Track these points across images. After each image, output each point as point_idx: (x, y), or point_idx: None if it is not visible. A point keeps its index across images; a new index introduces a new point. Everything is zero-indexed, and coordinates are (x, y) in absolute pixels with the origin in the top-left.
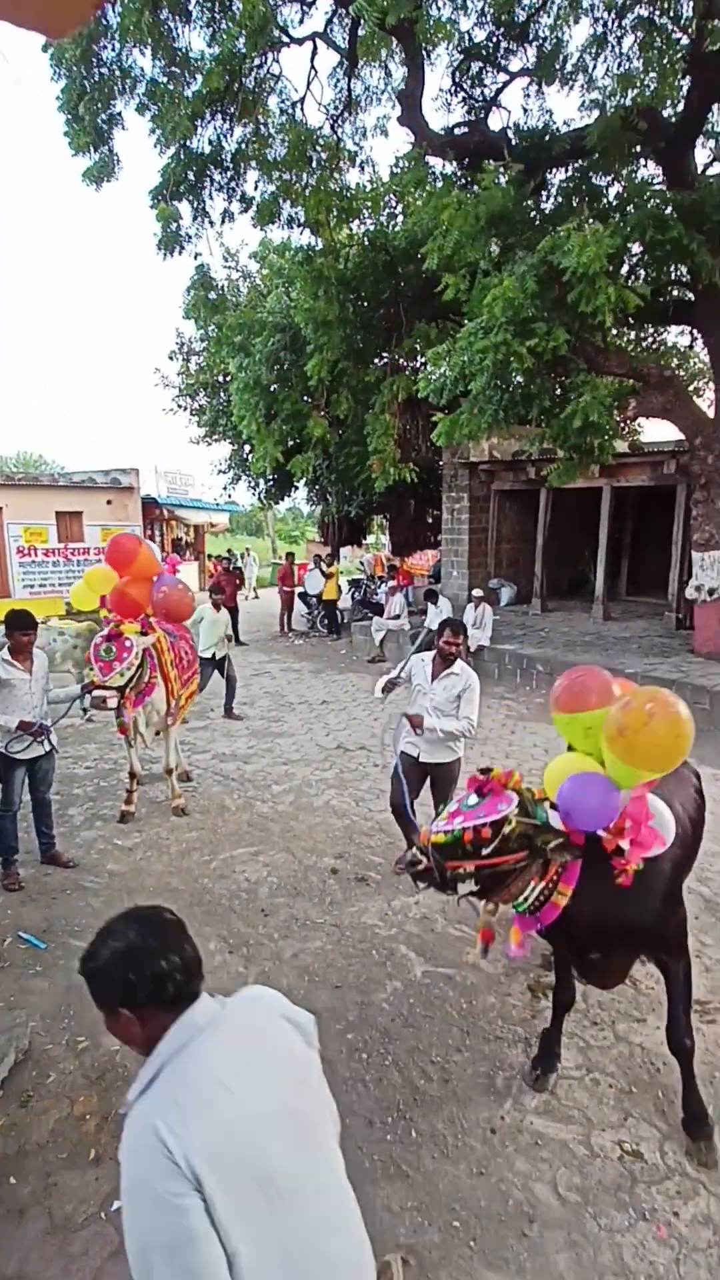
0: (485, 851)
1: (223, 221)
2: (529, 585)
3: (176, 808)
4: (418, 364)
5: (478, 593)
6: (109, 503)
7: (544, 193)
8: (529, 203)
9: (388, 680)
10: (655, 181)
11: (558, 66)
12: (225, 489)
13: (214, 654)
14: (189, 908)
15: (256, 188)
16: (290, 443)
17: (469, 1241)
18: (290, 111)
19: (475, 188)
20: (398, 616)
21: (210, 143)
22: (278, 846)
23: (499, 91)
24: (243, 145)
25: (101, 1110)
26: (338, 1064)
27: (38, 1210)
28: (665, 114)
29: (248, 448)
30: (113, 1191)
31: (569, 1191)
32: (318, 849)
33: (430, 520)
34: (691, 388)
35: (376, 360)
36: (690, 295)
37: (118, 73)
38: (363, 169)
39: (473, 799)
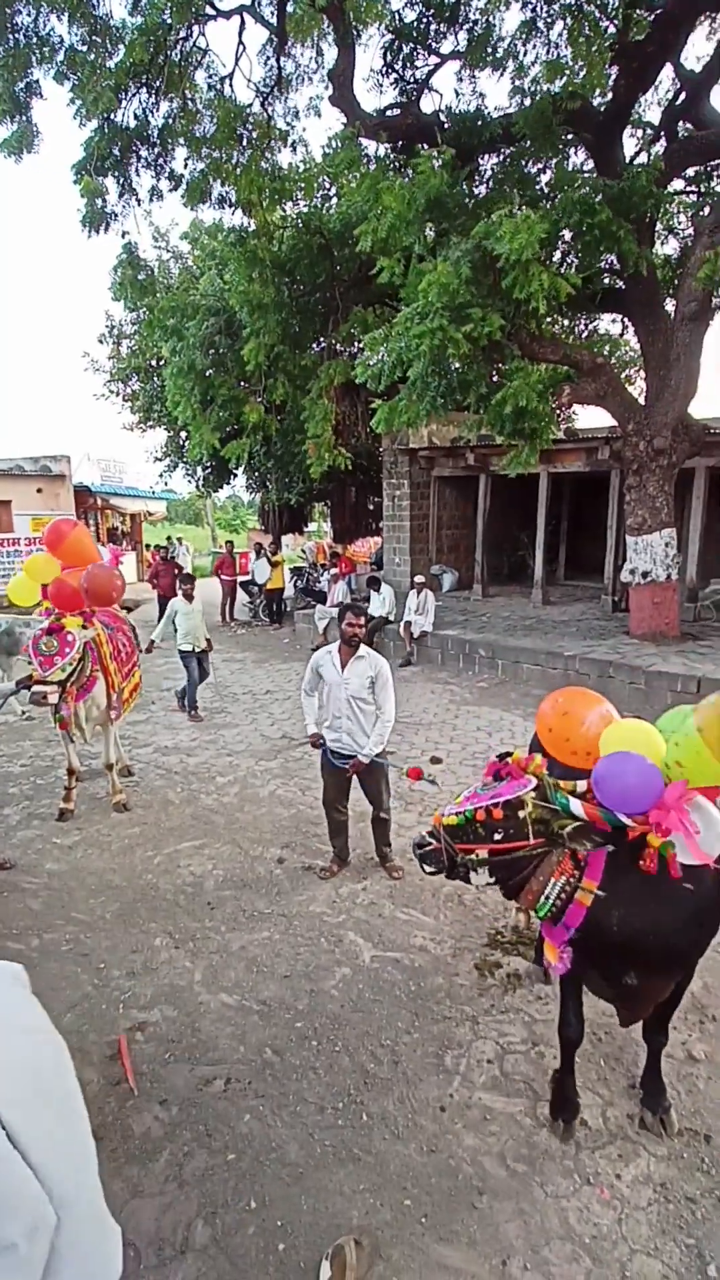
0: (498, 836)
1: (151, 199)
2: (470, 571)
3: (118, 803)
4: (355, 349)
5: (419, 579)
6: (39, 491)
7: (477, 178)
8: (463, 188)
9: (314, 733)
10: (584, 169)
11: (489, 51)
12: (161, 476)
13: (193, 646)
14: (133, 904)
15: (185, 165)
16: (227, 429)
17: (420, 1218)
18: (219, 87)
19: (409, 171)
20: (338, 604)
21: (136, 117)
22: (223, 839)
23: (430, 74)
24: (170, 120)
25: None
26: (288, 1053)
27: None
28: (594, 103)
29: (184, 434)
30: None
31: (516, 1162)
32: (264, 840)
33: (371, 507)
34: (623, 375)
35: (313, 345)
36: (620, 283)
37: (35, 40)
38: (295, 149)
39: (490, 781)
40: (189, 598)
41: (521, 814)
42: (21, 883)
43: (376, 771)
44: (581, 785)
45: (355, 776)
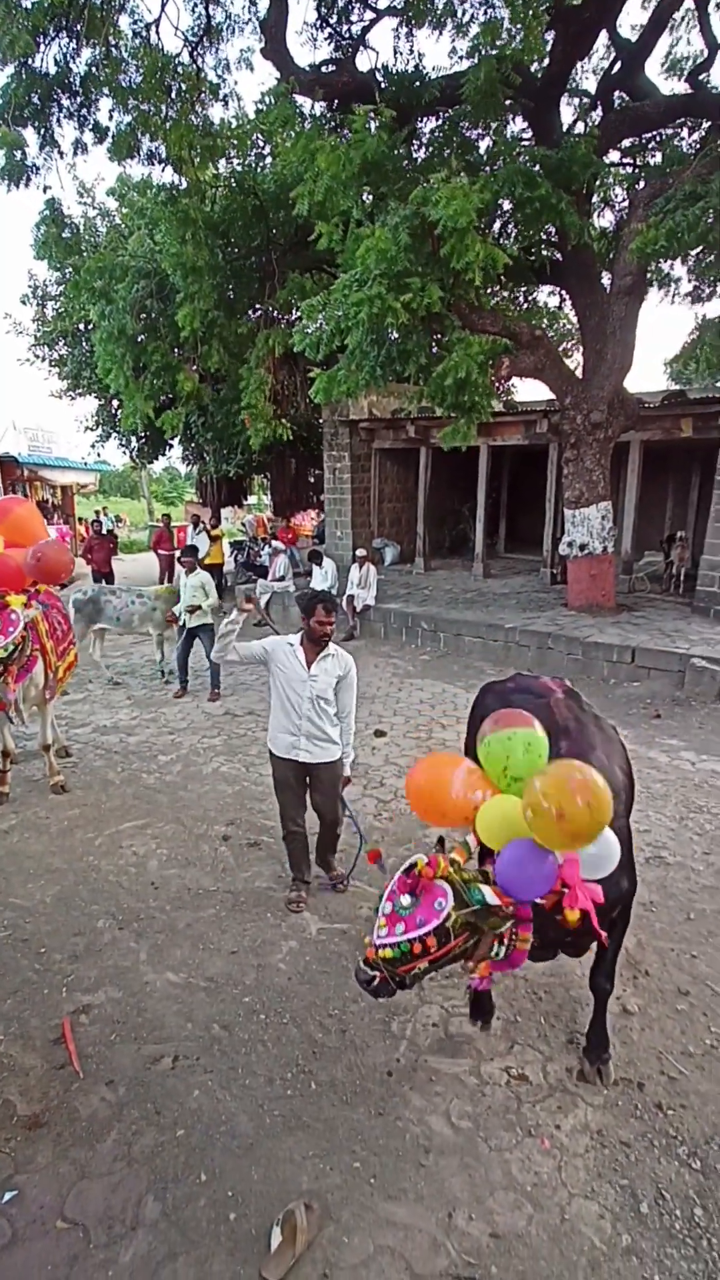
0: (434, 950)
1: (75, 153)
2: (412, 544)
3: (55, 785)
4: (293, 317)
5: (361, 552)
6: None
7: (415, 142)
8: (400, 151)
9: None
10: (523, 138)
11: (427, 7)
12: (94, 447)
13: (184, 622)
14: (73, 887)
15: (111, 117)
16: (162, 398)
17: (369, 1179)
18: (144, 35)
19: (346, 132)
20: (282, 578)
21: (56, 63)
22: (166, 818)
23: (366, 30)
24: (93, 69)
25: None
26: (235, 1027)
27: None
28: (532, 69)
29: (116, 402)
30: (3, 1183)
31: (461, 1120)
32: (208, 817)
33: (312, 480)
34: (561, 348)
35: (250, 312)
36: (559, 256)
37: None
38: (227, 104)
39: (406, 900)
40: (190, 569)
41: (448, 925)
42: None
43: (332, 771)
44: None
45: (310, 778)
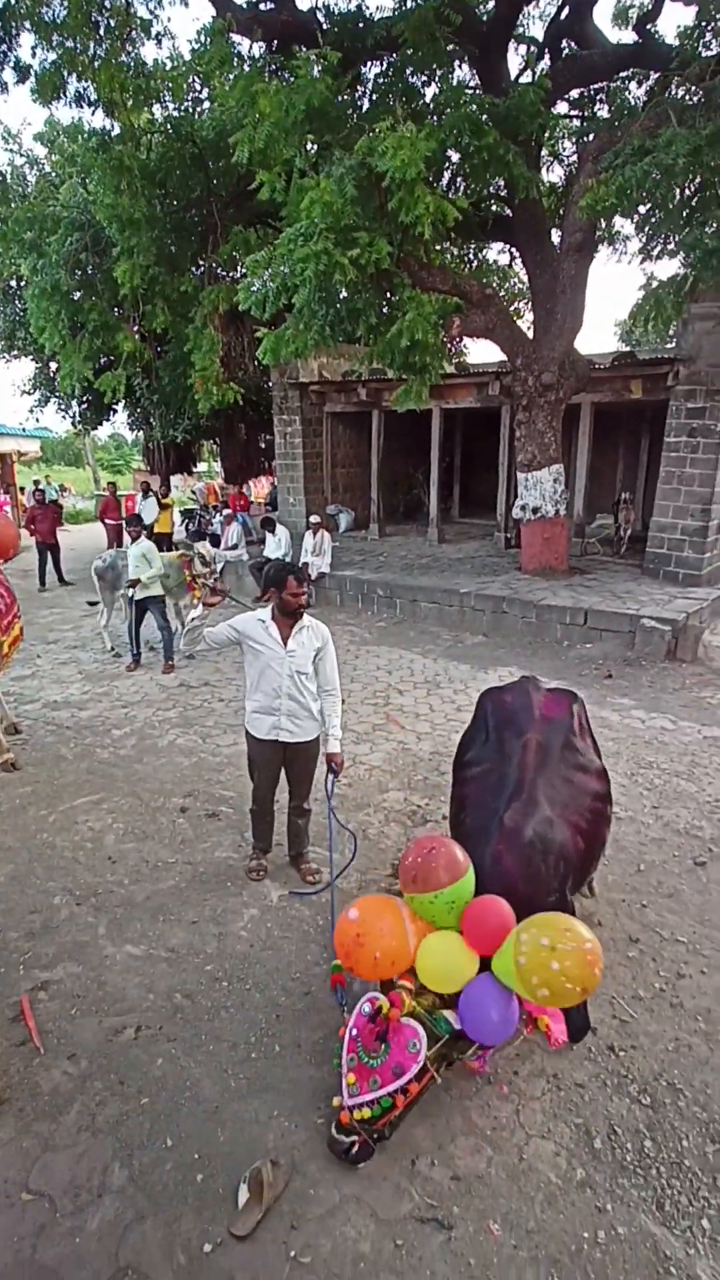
0: (414, 1095)
1: None
2: (366, 510)
3: (5, 762)
4: (238, 274)
5: (315, 519)
6: None
7: (360, 88)
8: (345, 98)
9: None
10: (470, 86)
11: None
12: (31, 412)
13: (130, 594)
14: (28, 865)
15: (34, 55)
16: (102, 359)
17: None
18: None
19: (288, 75)
20: (235, 547)
21: None
22: (122, 792)
23: None
24: (12, 1)
25: None
26: (198, 995)
27: None
28: (477, 10)
29: (54, 365)
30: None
31: None
32: (165, 790)
33: (263, 445)
34: (512, 309)
35: (193, 269)
36: (508, 211)
37: None
38: (160, 43)
39: (375, 1049)
40: (135, 538)
41: (425, 1063)
42: None
43: (310, 749)
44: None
45: (287, 758)
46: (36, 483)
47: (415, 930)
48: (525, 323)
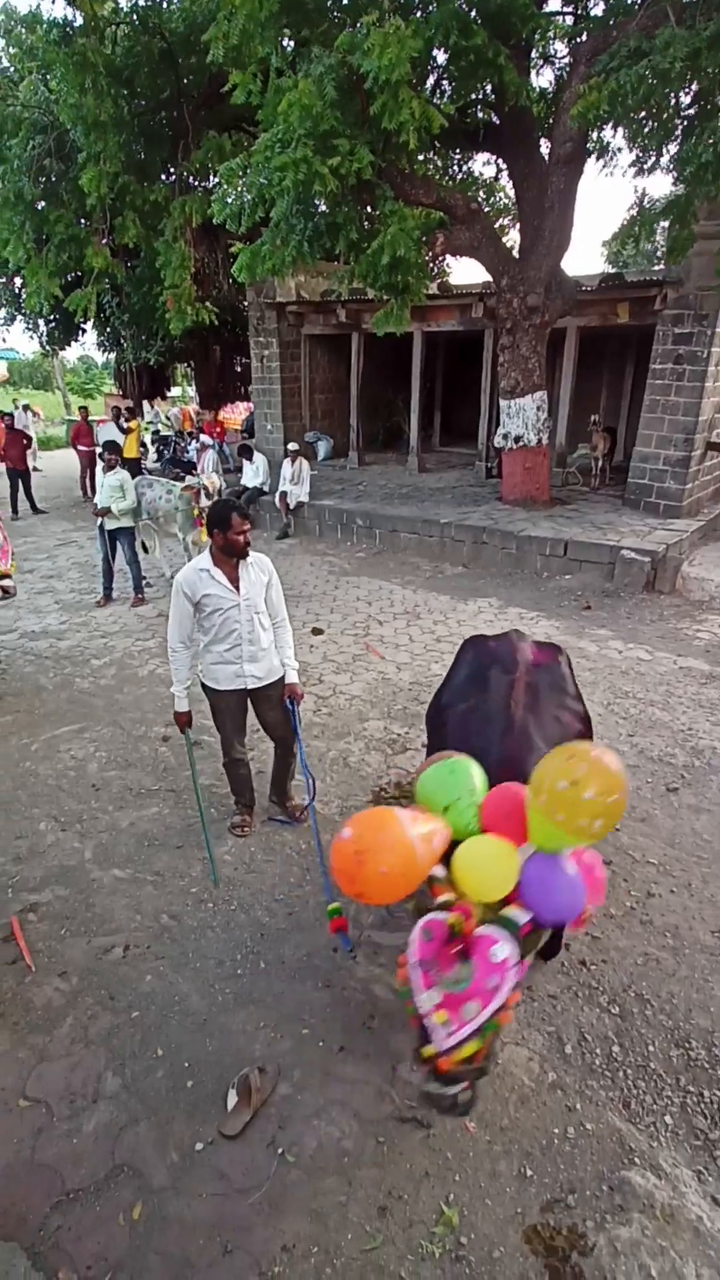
0: (511, 1005)
1: None
2: (345, 438)
3: None
4: (212, 184)
5: (293, 447)
6: None
7: None
8: None
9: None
10: None
11: None
12: None
13: (103, 522)
14: (12, 792)
15: None
16: (69, 275)
17: (318, 1042)
18: None
19: None
20: (211, 474)
21: None
22: (104, 721)
23: None
24: None
25: None
26: (184, 916)
27: None
28: None
29: (19, 281)
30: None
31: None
32: (146, 719)
33: (239, 369)
34: (497, 225)
35: (164, 176)
36: (496, 119)
37: None
38: None
39: (459, 972)
40: (110, 467)
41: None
42: None
43: (277, 689)
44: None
45: (253, 702)
46: (16, 404)
47: (422, 837)
48: (511, 242)
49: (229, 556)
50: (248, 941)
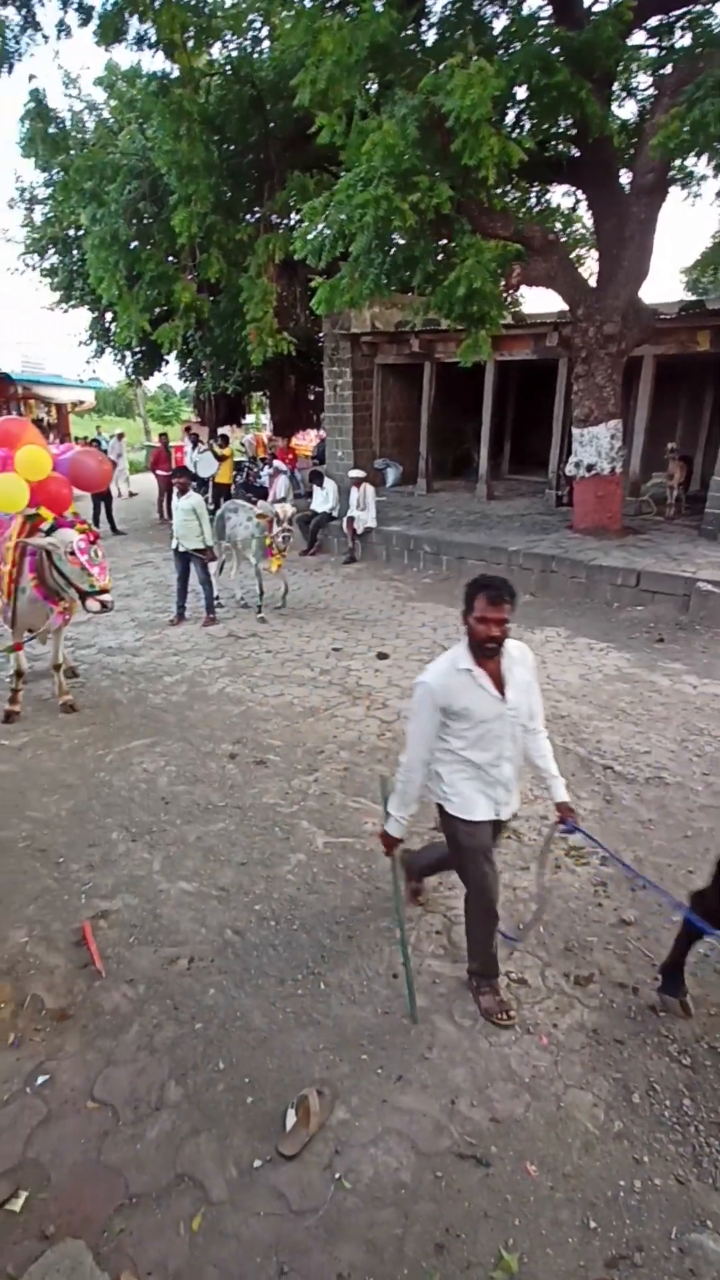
0: None
1: (59, 35)
2: (414, 465)
3: (65, 704)
4: (293, 221)
5: (356, 474)
6: None
7: (424, 22)
8: (410, 33)
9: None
10: (542, 16)
11: None
12: (88, 363)
13: (178, 545)
14: (87, 801)
15: None
16: (158, 309)
17: (376, 1069)
18: None
19: (351, 10)
20: (283, 500)
21: None
22: (174, 736)
23: None
24: None
25: (16, 997)
26: (248, 932)
27: None
28: None
29: (110, 315)
30: (36, 1069)
31: (463, 1019)
32: (214, 736)
33: (312, 397)
34: (574, 255)
35: (248, 216)
36: (576, 151)
37: None
38: None
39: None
40: (183, 491)
41: None
42: None
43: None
44: None
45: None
46: (100, 431)
47: None
48: (588, 271)
49: (484, 656)
50: (309, 962)
